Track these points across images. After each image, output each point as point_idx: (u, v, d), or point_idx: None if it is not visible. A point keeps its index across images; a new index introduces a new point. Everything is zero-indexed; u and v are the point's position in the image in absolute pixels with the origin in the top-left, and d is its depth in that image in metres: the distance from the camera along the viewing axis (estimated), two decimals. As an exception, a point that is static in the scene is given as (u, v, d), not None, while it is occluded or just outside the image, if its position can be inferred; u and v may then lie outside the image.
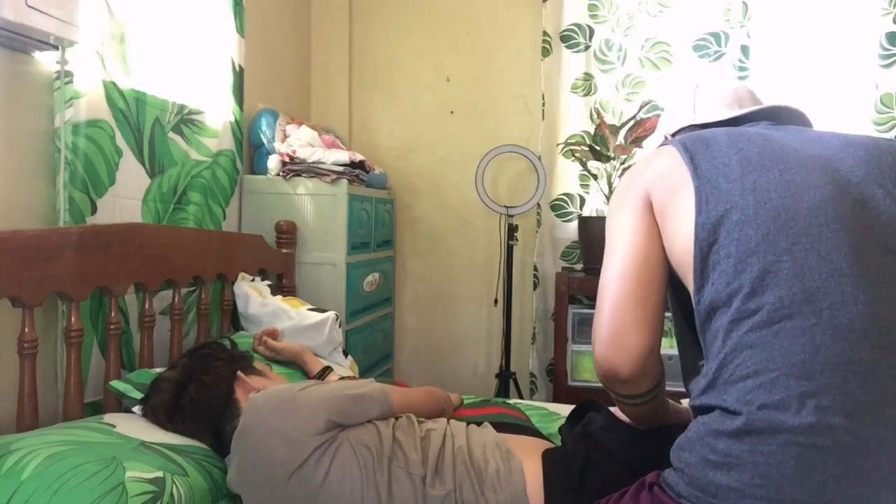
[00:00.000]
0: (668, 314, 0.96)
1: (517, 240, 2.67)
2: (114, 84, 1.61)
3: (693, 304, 0.88)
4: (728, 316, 0.82)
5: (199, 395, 1.31)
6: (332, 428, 1.14)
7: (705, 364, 0.85)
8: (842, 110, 2.45)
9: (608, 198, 2.52)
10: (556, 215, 2.80)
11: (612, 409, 1.18)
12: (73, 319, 1.41)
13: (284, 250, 2.24)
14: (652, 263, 0.93)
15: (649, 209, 0.95)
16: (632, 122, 2.44)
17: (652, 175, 0.96)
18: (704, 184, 0.88)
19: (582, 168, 2.62)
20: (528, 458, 1.16)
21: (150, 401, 1.35)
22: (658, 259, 0.94)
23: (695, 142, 0.95)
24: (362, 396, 1.22)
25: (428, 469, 1.12)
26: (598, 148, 2.46)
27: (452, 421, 1.29)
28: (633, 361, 0.91)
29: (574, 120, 2.74)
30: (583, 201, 2.77)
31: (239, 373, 1.37)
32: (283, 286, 2.22)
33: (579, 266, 2.73)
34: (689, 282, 0.89)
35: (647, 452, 1.06)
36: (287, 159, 2.28)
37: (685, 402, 1.07)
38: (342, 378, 1.76)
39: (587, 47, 2.72)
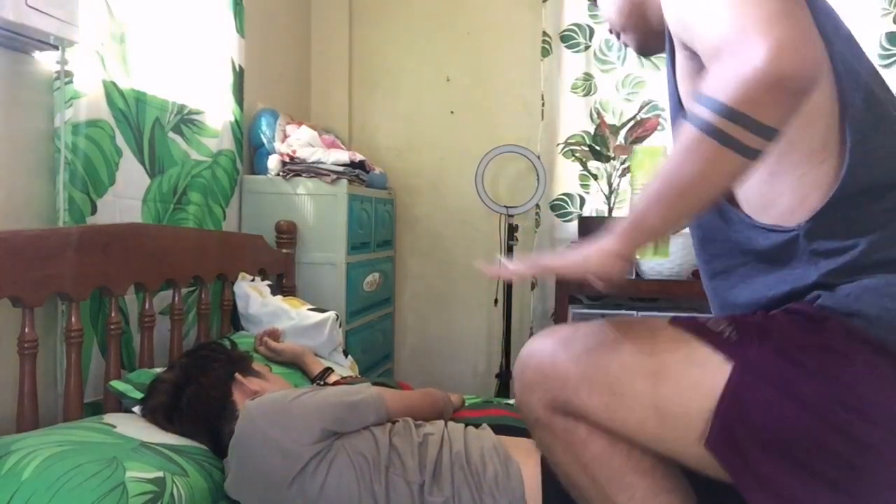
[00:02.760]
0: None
1: (517, 240, 2.67)
2: (114, 84, 1.61)
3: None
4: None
5: (197, 397, 1.31)
6: (328, 436, 1.14)
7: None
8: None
9: (608, 198, 2.52)
10: (556, 215, 2.79)
11: None
12: (73, 319, 1.41)
13: (284, 250, 2.24)
14: None
15: None
16: (632, 122, 2.44)
17: None
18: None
19: (582, 168, 2.61)
20: (526, 461, 1.16)
21: (148, 402, 1.35)
22: None
23: None
24: (358, 403, 1.21)
25: (426, 476, 1.11)
26: (598, 148, 2.46)
27: (450, 424, 1.28)
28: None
29: (574, 120, 2.74)
30: (583, 201, 2.77)
31: (237, 374, 1.36)
32: (283, 286, 2.22)
33: (579, 266, 2.72)
34: None
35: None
36: (287, 159, 2.28)
37: None
38: (343, 378, 1.76)
39: (587, 47, 2.72)
